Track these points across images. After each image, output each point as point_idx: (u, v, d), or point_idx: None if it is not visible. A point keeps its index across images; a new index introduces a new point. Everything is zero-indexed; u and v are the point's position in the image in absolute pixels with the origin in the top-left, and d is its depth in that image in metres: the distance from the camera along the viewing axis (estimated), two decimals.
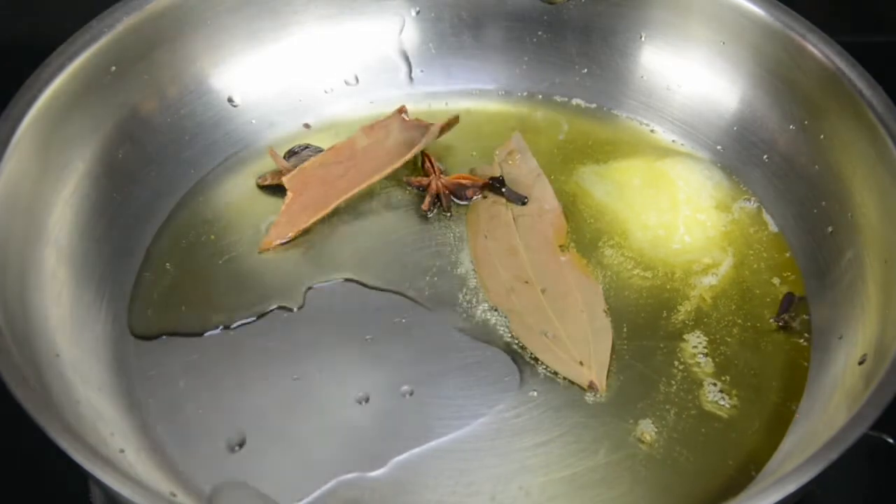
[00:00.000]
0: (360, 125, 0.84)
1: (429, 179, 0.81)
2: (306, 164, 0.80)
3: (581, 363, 0.70)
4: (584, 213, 0.80)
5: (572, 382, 0.70)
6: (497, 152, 0.84)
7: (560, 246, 0.77)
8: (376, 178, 0.81)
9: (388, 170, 0.81)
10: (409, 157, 0.81)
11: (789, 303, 0.75)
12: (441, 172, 0.81)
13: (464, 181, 0.81)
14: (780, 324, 0.74)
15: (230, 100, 0.83)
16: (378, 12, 0.87)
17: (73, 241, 0.72)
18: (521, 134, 0.85)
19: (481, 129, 0.86)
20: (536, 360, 0.71)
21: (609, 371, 0.71)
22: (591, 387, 0.70)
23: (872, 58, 0.76)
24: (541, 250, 0.77)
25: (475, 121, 0.86)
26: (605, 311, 0.74)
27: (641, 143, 0.85)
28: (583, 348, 0.71)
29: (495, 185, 0.81)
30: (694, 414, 0.69)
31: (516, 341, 0.72)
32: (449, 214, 0.80)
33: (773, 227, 0.80)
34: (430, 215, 0.80)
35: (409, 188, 0.82)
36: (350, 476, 0.66)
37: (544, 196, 0.80)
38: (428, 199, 0.80)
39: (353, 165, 0.81)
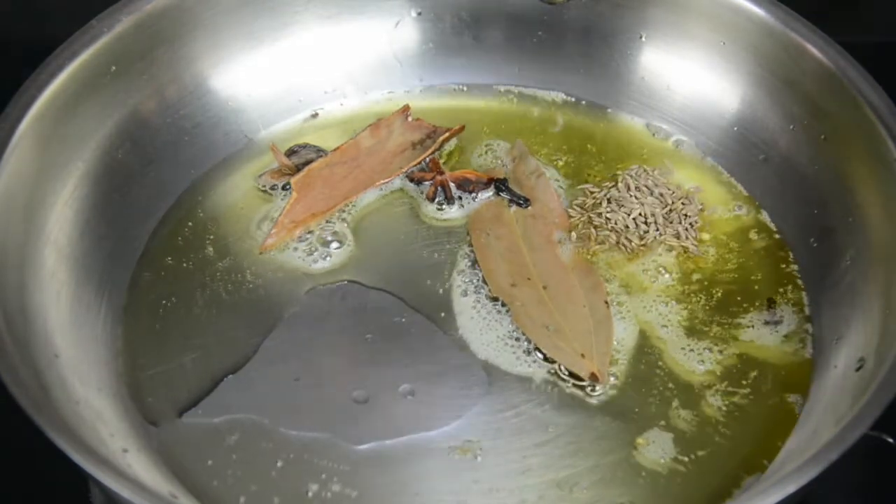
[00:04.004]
0: (361, 125, 0.84)
1: (433, 174, 0.81)
2: (314, 164, 0.80)
3: (583, 355, 0.70)
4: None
5: (575, 381, 0.70)
6: (502, 156, 0.84)
7: (560, 243, 0.78)
8: (379, 182, 0.81)
9: (391, 176, 0.81)
10: (412, 165, 0.81)
11: (771, 303, 0.75)
12: (443, 171, 0.82)
13: (469, 175, 0.81)
14: (770, 318, 0.74)
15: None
16: (378, 12, 0.87)
17: (72, 241, 0.72)
18: (522, 131, 0.85)
19: (482, 128, 0.86)
20: (539, 351, 0.71)
21: (611, 362, 0.71)
22: (594, 378, 0.70)
23: (872, 58, 0.76)
24: (543, 249, 0.77)
25: (475, 120, 0.86)
26: (607, 303, 0.74)
27: (641, 143, 0.85)
28: (585, 340, 0.71)
29: (498, 186, 0.81)
30: (695, 414, 0.69)
31: (517, 333, 0.72)
32: (453, 204, 0.80)
33: (773, 228, 0.80)
34: (434, 205, 0.80)
35: (410, 186, 0.82)
36: (349, 475, 0.66)
37: (546, 196, 0.80)
38: (432, 189, 0.80)
39: (356, 166, 0.81)
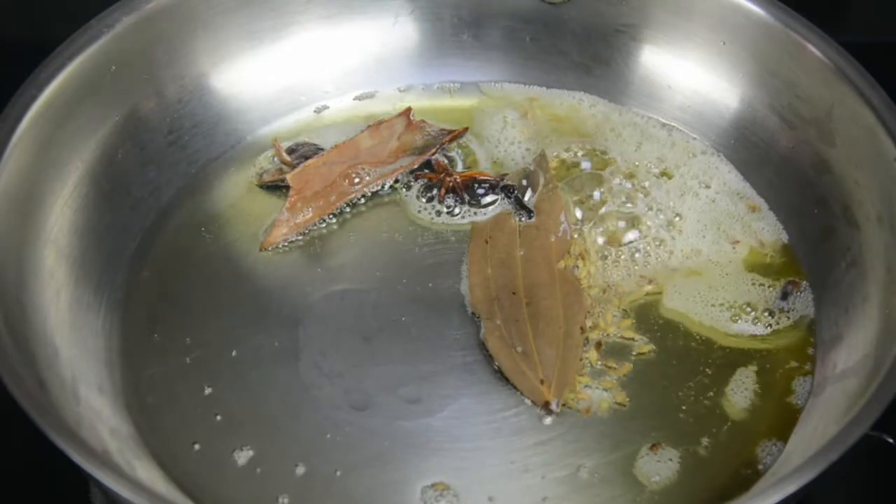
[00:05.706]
0: (361, 125, 0.84)
1: (441, 175, 0.81)
2: (310, 161, 0.80)
3: (542, 381, 0.69)
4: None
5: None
6: (514, 156, 0.83)
7: (559, 262, 0.76)
8: (379, 182, 0.81)
9: (392, 176, 0.81)
10: (412, 165, 0.81)
11: (786, 293, 0.75)
12: (452, 173, 0.81)
13: (478, 176, 0.81)
14: (777, 308, 0.74)
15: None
16: (378, 11, 0.87)
17: (71, 241, 0.72)
18: (522, 129, 0.85)
19: (482, 128, 0.86)
20: (501, 372, 0.71)
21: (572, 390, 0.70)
22: (546, 407, 0.69)
23: (872, 58, 0.76)
24: (538, 263, 0.76)
25: (475, 120, 0.86)
26: (581, 329, 0.72)
27: (641, 143, 0.85)
28: (549, 367, 0.70)
29: (507, 192, 0.80)
30: (696, 414, 0.69)
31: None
32: (463, 205, 0.80)
33: (773, 227, 0.80)
34: (434, 205, 0.80)
35: (411, 187, 0.81)
36: (349, 475, 0.66)
37: (553, 211, 0.79)
38: (443, 191, 0.80)
39: (356, 165, 0.81)
